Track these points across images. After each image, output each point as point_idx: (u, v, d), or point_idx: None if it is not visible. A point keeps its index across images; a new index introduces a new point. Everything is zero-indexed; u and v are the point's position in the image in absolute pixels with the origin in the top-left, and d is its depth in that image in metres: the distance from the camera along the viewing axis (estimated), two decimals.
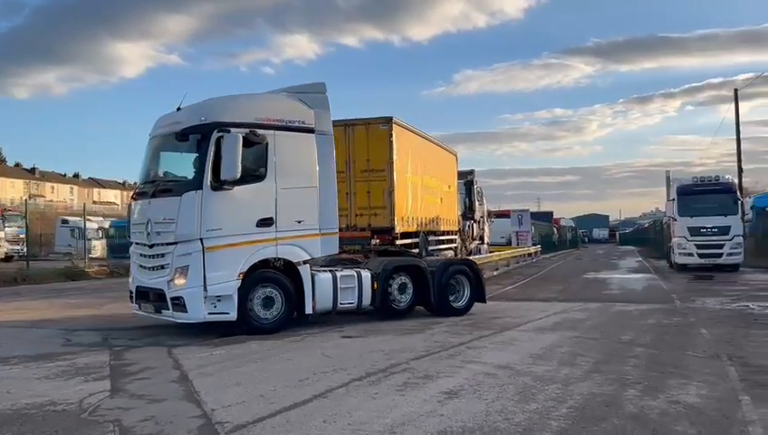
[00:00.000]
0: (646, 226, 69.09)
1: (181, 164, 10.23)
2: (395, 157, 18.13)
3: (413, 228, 19.21)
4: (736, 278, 20.37)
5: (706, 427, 4.96)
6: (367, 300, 11.03)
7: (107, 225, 43.23)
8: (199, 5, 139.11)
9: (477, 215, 25.82)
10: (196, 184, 9.38)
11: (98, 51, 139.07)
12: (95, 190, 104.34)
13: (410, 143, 19.61)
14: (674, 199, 24.19)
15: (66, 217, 45.18)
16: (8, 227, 36.40)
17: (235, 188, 9.45)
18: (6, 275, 21.53)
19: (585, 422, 5.11)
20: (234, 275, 9.49)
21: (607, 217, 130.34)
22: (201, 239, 9.31)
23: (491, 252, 27.42)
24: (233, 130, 9.43)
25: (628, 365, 7.35)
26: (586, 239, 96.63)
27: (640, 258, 38.37)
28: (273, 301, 9.93)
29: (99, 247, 40.14)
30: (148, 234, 9.79)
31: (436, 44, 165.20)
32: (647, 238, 56.19)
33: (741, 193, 27.01)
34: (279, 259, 10.07)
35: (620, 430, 4.90)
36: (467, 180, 24.71)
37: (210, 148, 9.36)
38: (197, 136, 9.53)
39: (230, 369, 7.45)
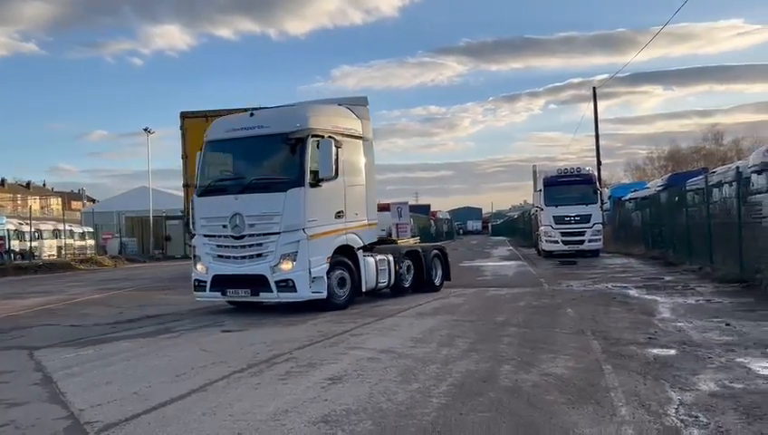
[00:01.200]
0: (515, 217, 72.76)
1: (260, 163, 11.58)
2: None
3: None
4: (597, 263, 21.89)
5: (574, 395, 5.28)
6: (392, 280, 12.78)
7: None
8: None
9: None
10: (299, 181, 10.71)
11: None
12: None
13: None
14: (541, 190, 25.57)
15: None
16: None
17: (323, 185, 10.91)
18: None
19: (464, 397, 5.28)
20: (324, 259, 10.99)
21: (480, 209, 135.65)
22: (304, 229, 10.69)
23: None
24: (326, 136, 11.06)
25: (502, 344, 7.68)
26: (461, 231, 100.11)
27: (511, 247, 40.31)
28: (345, 281, 11.48)
29: None
30: (236, 226, 10.86)
31: (313, 39, 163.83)
32: (516, 229, 59.19)
33: (600, 184, 29.08)
34: (347, 246, 11.63)
35: (497, 403, 5.11)
36: None
37: (307, 150, 10.77)
38: (292, 140, 10.77)
39: (100, 368, 7.02)
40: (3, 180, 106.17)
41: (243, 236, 10.89)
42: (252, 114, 11.55)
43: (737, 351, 6.73)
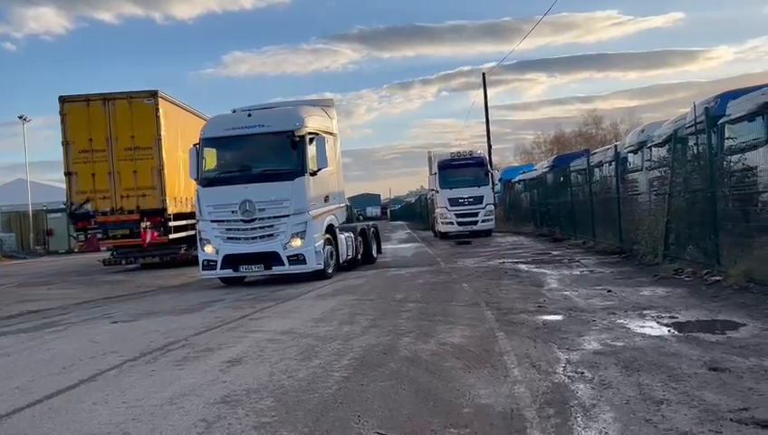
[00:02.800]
0: (413, 202, 74.11)
1: (263, 157, 13.13)
2: (163, 133, 17.23)
3: (188, 209, 18.47)
4: (490, 242, 22.71)
5: (470, 360, 5.47)
6: (354, 253, 14.94)
7: None
8: None
9: None
10: (302, 171, 12.59)
11: None
12: None
13: (179, 119, 18.73)
14: (436, 174, 26.15)
15: None
16: None
17: (318, 174, 12.86)
18: None
19: (365, 369, 5.34)
20: (321, 236, 12.92)
21: (379, 195, 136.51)
22: (308, 211, 12.58)
23: None
24: (320, 134, 13.16)
25: (402, 318, 7.83)
26: (361, 217, 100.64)
27: (409, 231, 41.05)
28: (333, 254, 13.51)
29: None
30: (246, 211, 12.45)
31: (202, 24, 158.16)
32: (414, 213, 60.38)
33: (491, 167, 30.10)
34: (331, 225, 13.60)
35: (397, 372, 5.21)
36: None
37: (306, 146, 12.64)
38: (295, 137, 12.58)
39: None
40: None
41: (253, 220, 12.51)
42: (250, 114, 13.21)
43: (618, 314, 7.21)
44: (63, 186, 18.34)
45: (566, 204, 20.05)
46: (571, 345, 5.80)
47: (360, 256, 15.63)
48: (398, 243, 27.38)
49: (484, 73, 39.34)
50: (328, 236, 13.34)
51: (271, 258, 12.57)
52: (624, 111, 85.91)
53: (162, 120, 17.24)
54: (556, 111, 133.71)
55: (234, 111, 14.18)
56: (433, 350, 5.94)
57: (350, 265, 14.90)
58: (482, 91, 38.68)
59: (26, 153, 43.35)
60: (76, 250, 28.51)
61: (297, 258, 12.54)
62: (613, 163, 15.51)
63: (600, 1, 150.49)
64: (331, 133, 14.30)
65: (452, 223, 25.26)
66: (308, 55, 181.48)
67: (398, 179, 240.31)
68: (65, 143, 17.43)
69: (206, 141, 13.23)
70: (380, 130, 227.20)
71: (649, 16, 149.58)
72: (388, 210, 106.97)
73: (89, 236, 18.09)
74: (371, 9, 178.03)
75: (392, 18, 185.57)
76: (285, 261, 12.51)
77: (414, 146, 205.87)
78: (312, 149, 12.73)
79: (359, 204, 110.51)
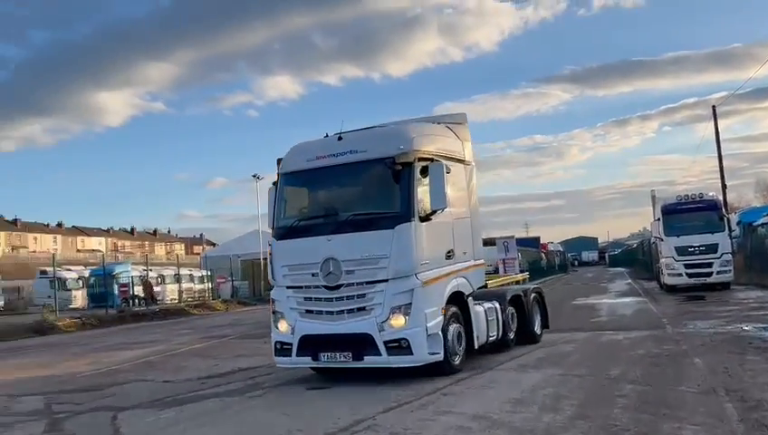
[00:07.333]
0: (634, 246, 68.83)
1: (355, 196, 9.72)
2: None
3: None
4: (728, 297, 19.70)
5: None
6: (501, 332, 10.73)
7: (87, 274, 42.32)
8: (181, 52, 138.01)
9: None
10: (407, 215, 8.80)
11: (82, 101, 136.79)
12: (79, 238, 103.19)
13: None
14: (659, 219, 23.67)
15: (45, 269, 43.84)
16: None
17: (433, 218, 9.06)
18: None
19: None
20: (439, 311, 8.97)
21: (595, 239, 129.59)
22: (416, 274, 8.80)
23: None
24: (437, 159, 9.21)
25: (616, 407, 6.62)
26: (576, 263, 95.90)
27: (630, 280, 37.82)
28: (462, 337, 9.38)
29: (79, 297, 39.43)
30: (329, 274, 8.95)
31: (415, 79, 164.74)
32: (635, 259, 55.84)
33: (726, 209, 26.58)
34: (459, 292, 9.58)
35: None
36: None
37: (415, 178, 8.90)
38: (397, 166, 8.85)
39: (188, 431, 6.68)
40: (132, 229, 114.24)
41: (339, 286, 8.93)
42: (340, 138, 9.55)
43: None
44: None
45: None
46: None
47: (512, 335, 11.26)
48: (615, 296, 25.11)
49: (714, 106, 35.56)
50: (454, 309, 9.35)
51: (362, 343, 8.78)
52: None
53: None
54: None
55: (326, 136, 10.10)
56: None
57: (497, 348, 10.74)
58: (711, 123, 34.85)
59: (258, 207, 47.77)
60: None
61: (399, 345, 8.62)
62: None
63: None
64: (458, 160, 10.25)
65: (680, 274, 22.49)
66: (517, 100, 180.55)
67: (618, 221, 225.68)
68: None
69: (285, 177, 9.91)
70: (596, 170, 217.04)
71: None
72: (607, 255, 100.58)
73: None
74: (583, 48, 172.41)
75: (606, 55, 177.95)
76: (382, 349, 8.67)
77: (634, 185, 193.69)
78: (423, 183, 9.02)
79: (573, 248, 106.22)
